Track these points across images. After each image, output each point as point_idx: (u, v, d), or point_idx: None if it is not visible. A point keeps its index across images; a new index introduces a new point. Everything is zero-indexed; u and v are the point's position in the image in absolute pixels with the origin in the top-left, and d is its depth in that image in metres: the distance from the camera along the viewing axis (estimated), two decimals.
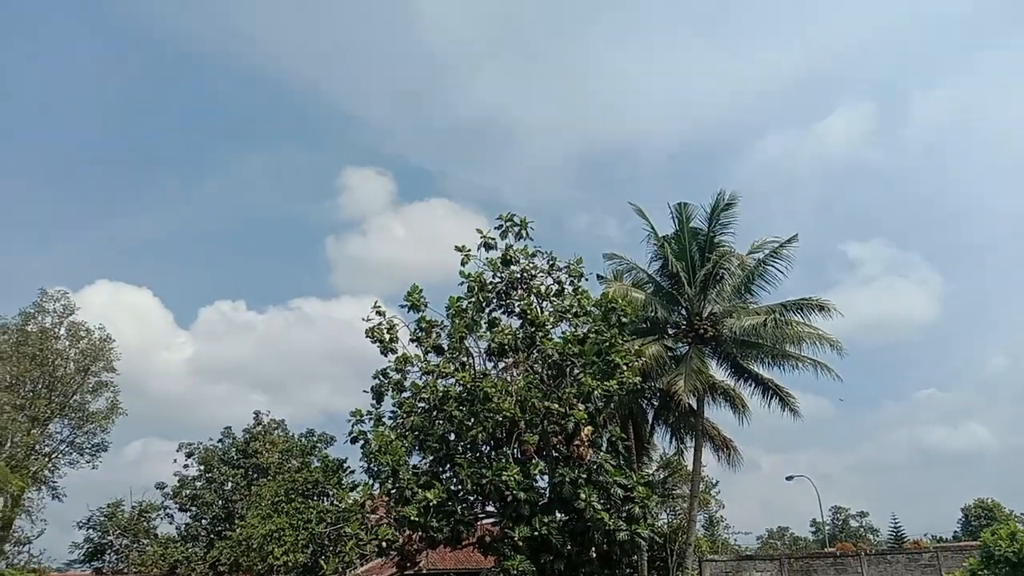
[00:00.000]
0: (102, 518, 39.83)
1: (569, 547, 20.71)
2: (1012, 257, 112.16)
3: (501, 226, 23.46)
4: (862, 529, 77.69)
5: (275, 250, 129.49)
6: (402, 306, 23.58)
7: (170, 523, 40.11)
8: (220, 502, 39.25)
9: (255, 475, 38.97)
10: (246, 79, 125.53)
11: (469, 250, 23.20)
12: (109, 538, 40.09)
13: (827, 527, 63.86)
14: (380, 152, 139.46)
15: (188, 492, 39.26)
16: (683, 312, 27.85)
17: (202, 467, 40.26)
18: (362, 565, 31.41)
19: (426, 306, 23.61)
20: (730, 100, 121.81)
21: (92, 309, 67.11)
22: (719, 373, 28.81)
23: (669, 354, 26.77)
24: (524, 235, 23.48)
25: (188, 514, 39.59)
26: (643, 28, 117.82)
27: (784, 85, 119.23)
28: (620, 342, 21.69)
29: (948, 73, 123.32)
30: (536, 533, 19.87)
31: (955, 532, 63.38)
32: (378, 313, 23.11)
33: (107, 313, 73.16)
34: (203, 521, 39.18)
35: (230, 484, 39.85)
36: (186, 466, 40.33)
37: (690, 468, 29.72)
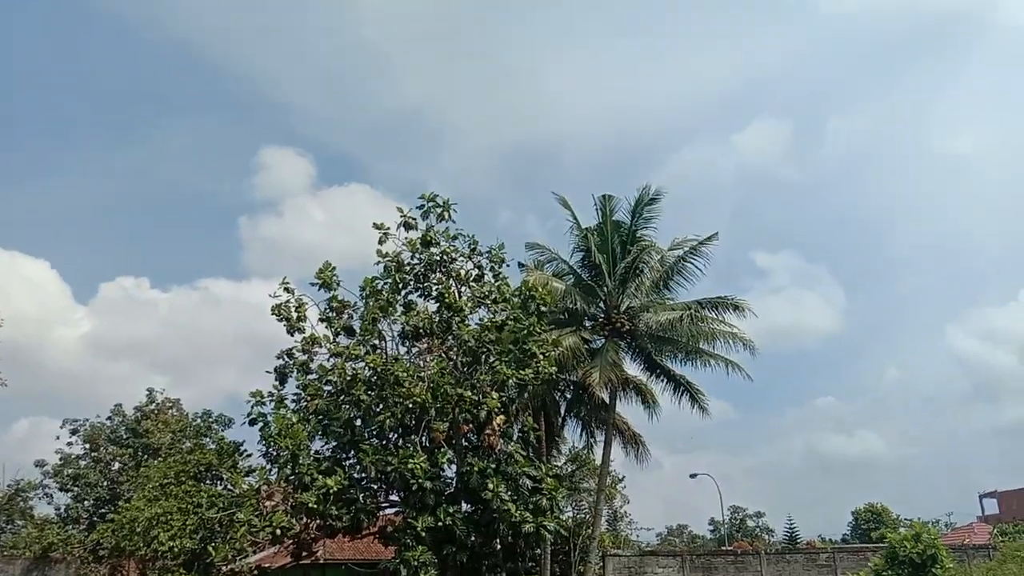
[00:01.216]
0: None
1: (473, 538, 20.33)
2: (914, 277, 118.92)
3: (423, 206, 22.79)
4: (758, 529, 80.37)
5: (184, 227, 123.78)
6: (312, 284, 22.66)
7: (48, 504, 37.78)
8: (105, 483, 37.10)
9: (145, 455, 36.99)
10: (169, 51, 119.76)
11: (388, 228, 22.48)
12: None
13: (725, 526, 65.72)
14: (302, 134, 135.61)
15: (70, 471, 36.98)
16: (601, 305, 27.84)
17: (87, 445, 37.99)
18: (255, 553, 30.19)
19: (339, 285, 22.76)
20: (655, 108, 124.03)
21: None
22: (632, 368, 29.03)
23: (585, 346, 26.70)
24: (446, 217, 22.87)
25: (69, 495, 37.31)
26: (574, 31, 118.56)
27: (707, 97, 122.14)
28: (538, 331, 21.41)
29: (865, 97, 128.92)
30: (440, 523, 19.42)
31: (844, 535, 66.18)
32: (286, 290, 22.13)
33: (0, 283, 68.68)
34: (85, 503, 36.98)
35: (117, 464, 37.73)
36: (70, 443, 38.01)
37: (598, 462, 29.82)
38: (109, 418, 39.17)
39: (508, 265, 23.52)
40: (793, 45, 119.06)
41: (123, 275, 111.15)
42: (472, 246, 23.14)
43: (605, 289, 27.40)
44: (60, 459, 37.40)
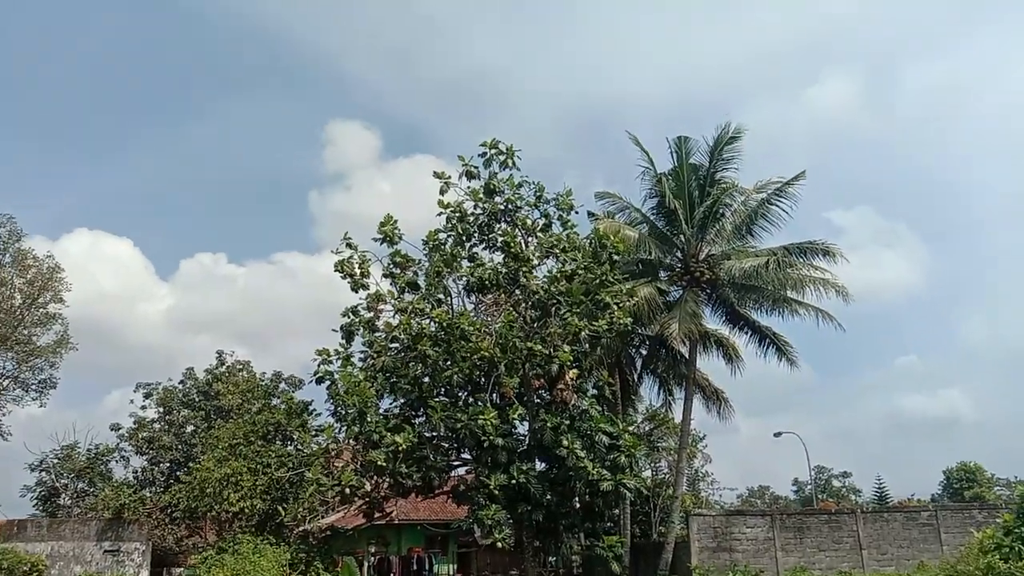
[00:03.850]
0: (55, 460, 38.87)
1: (549, 496, 20.11)
2: (1000, 233, 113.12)
3: (485, 154, 22.29)
4: (844, 489, 78.56)
5: (257, 203, 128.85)
6: (375, 239, 22.46)
7: (125, 467, 39.28)
8: (179, 445, 38.38)
9: (216, 417, 38.06)
10: (235, 29, 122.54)
11: (449, 177, 22.05)
12: (63, 481, 39.22)
13: (810, 486, 64.34)
14: (366, 107, 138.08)
15: (145, 435, 38.33)
16: (679, 254, 26.94)
17: (161, 409, 39.29)
18: (327, 514, 30.80)
19: (401, 238, 22.52)
20: (722, 63, 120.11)
21: (71, 258, 65.64)
22: (713, 321, 28.13)
23: (662, 298, 25.90)
24: (510, 164, 22.34)
25: (145, 458, 38.73)
26: None
27: (776, 49, 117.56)
28: (611, 281, 20.77)
29: (943, 45, 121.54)
30: (514, 481, 19.29)
31: (934, 495, 64.17)
32: (348, 246, 22.01)
33: (87, 262, 73.03)
34: (160, 465, 38.35)
35: (190, 427, 38.95)
36: (144, 407, 39.37)
37: (676, 420, 29.21)
38: (181, 382, 40.44)
39: (577, 213, 22.90)
40: None
41: (201, 251, 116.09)
42: (538, 193, 22.54)
43: (682, 236, 26.47)
44: (134, 423, 38.73)
